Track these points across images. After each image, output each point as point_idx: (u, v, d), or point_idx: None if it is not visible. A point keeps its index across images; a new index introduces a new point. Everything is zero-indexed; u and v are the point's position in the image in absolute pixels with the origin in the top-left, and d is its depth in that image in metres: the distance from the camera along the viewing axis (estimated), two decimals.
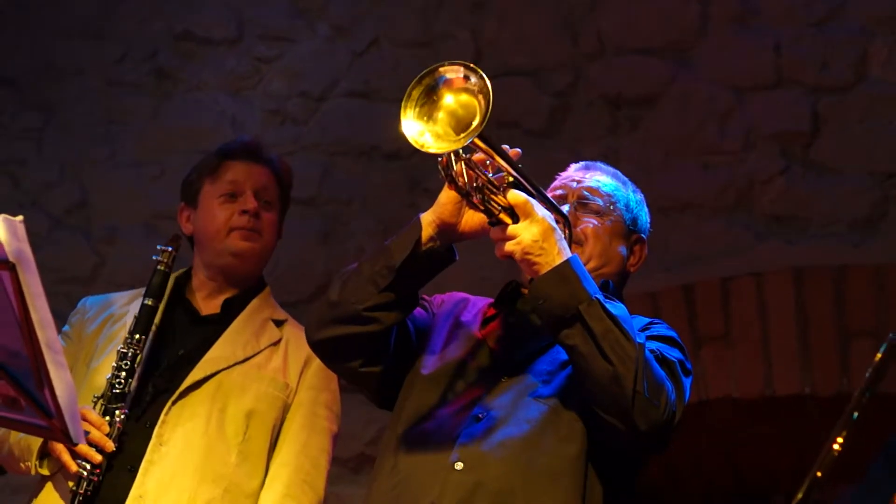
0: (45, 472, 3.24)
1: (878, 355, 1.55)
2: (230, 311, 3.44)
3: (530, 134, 4.88)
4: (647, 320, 2.86)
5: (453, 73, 2.53)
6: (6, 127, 5.41)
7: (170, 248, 3.39)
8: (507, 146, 2.64)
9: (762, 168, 4.66)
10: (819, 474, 1.50)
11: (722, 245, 4.62)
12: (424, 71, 2.54)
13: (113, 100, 5.35)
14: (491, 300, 2.93)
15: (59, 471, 3.22)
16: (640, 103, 4.84)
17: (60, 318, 3.33)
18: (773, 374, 4.43)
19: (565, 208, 2.85)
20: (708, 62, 4.80)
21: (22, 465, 3.27)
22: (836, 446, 1.51)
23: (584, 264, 2.79)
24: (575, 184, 2.95)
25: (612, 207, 2.92)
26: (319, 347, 2.80)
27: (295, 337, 3.39)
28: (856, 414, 1.50)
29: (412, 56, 5.02)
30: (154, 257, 3.39)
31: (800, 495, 1.49)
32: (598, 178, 2.97)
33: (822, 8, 4.73)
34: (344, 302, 2.67)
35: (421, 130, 2.51)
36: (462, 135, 2.46)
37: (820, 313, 4.42)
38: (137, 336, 3.28)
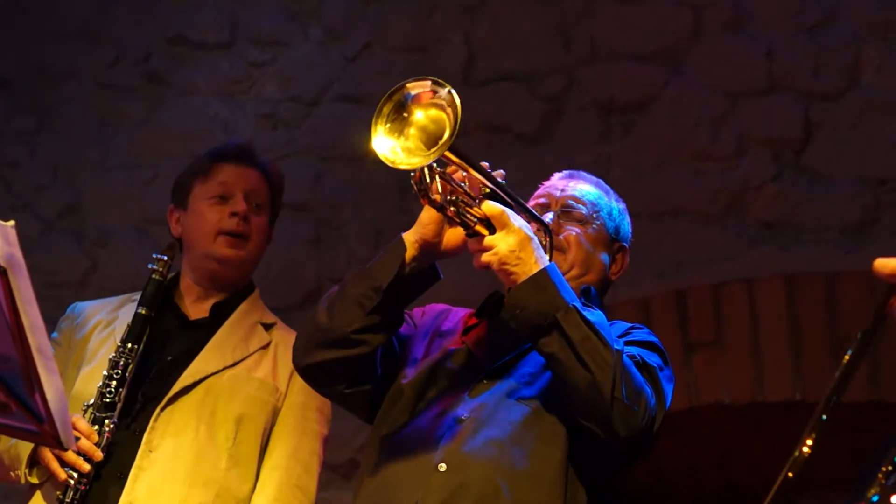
0: (35, 480, 3.23)
1: (846, 357, 1.56)
2: (219, 316, 3.42)
3: (522, 139, 4.88)
4: (628, 325, 2.87)
5: (420, 88, 2.54)
6: None
7: (165, 257, 3.37)
8: (487, 163, 2.64)
9: (754, 174, 4.66)
10: (790, 475, 1.51)
11: (714, 251, 4.62)
12: (393, 88, 2.55)
13: (106, 103, 5.34)
14: (471, 310, 2.95)
15: (49, 479, 3.21)
16: (632, 108, 4.84)
17: (51, 323, 3.33)
18: (764, 380, 4.43)
19: (549, 216, 2.88)
20: (700, 68, 4.81)
21: (12, 473, 3.26)
22: (805, 449, 1.52)
23: (567, 272, 2.83)
24: (558, 192, 2.98)
25: (595, 216, 2.94)
26: (307, 372, 2.81)
27: (284, 340, 3.37)
28: (825, 416, 1.52)
29: (405, 60, 5.02)
30: (149, 266, 3.37)
31: (770, 496, 1.51)
32: (582, 188, 2.99)
33: (814, 14, 4.73)
34: (331, 326, 2.68)
35: (392, 147, 2.52)
36: (433, 149, 2.47)
37: (811, 320, 4.42)
38: (130, 345, 3.26)
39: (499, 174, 2.67)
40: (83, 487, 3.14)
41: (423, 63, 4.97)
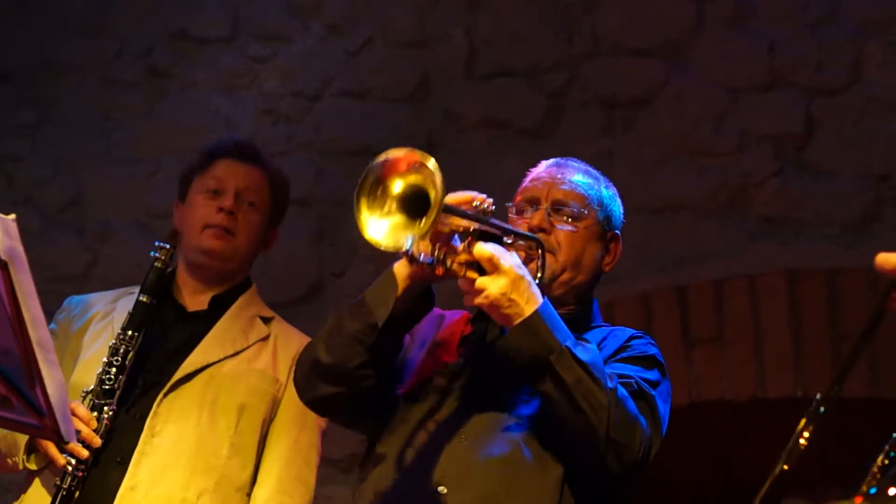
0: (33, 466, 3.25)
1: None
2: (217, 308, 3.44)
3: (524, 134, 4.88)
4: (629, 334, 2.85)
5: (394, 156, 2.50)
6: (1, 123, 5.40)
7: (167, 245, 3.39)
8: (475, 192, 2.59)
9: (756, 169, 4.66)
10: (786, 468, 1.51)
11: (715, 246, 4.62)
12: (369, 164, 2.50)
13: (108, 97, 5.34)
14: (465, 314, 2.93)
15: (47, 466, 3.22)
16: (634, 104, 4.84)
17: (52, 317, 3.34)
18: (765, 376, 4.43)
19: (537, 217, 2.83)
20: (703, 63, 4.80)
21: (9, 460, 3.27)
22: (802, 440, 1.53)
23: (559, 275, 2.81)
24: (547, 186, 2.90)
25: (586, 211, 2.88)
26: (314, 405, 2.84)
27: (283, 334, 3.42)
28: (823, 408, 1.52)
29: (407, 56, 5.01)
30: (152, 254, 3.38)
31: (766, 487, 1.51)
32: (571, 178, 2.92)
33: (817, 9, 4.73)
34: (332, 363, 2.69)
35: (385, 232, 2.48)
36: (423, 220, 2.43)
37: (813, 315, 4.42)
38: (130, 332, 3.27)
39: (485, 201, 2.61)
40: (80, 474, 3.15)
41: (425, 58, 4.97)
